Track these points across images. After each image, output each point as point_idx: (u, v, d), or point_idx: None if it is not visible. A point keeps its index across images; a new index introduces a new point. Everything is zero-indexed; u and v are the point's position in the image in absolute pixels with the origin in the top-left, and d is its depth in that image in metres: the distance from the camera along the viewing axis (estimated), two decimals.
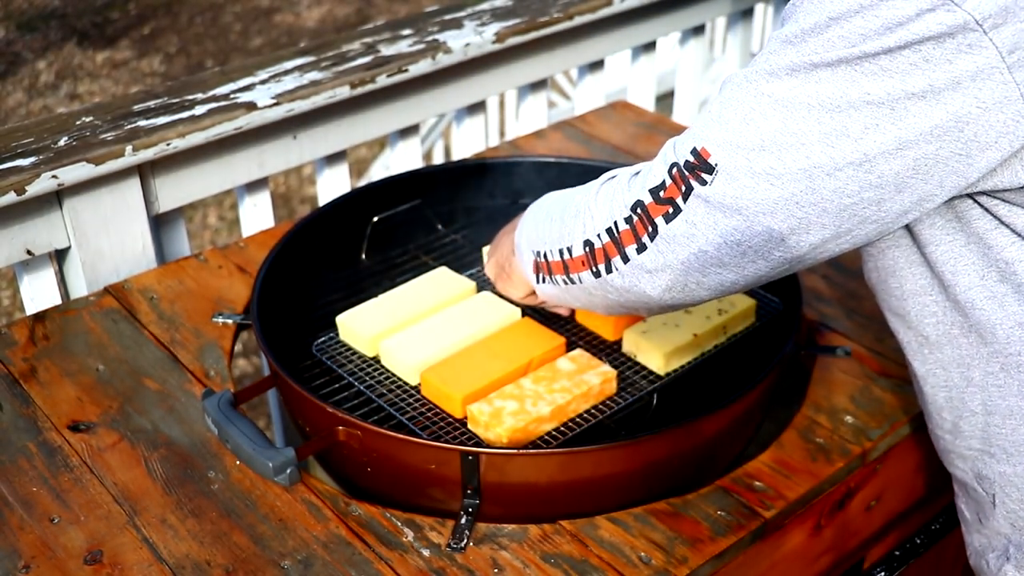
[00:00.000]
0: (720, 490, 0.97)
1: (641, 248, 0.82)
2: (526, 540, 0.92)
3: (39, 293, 1.37)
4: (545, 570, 0.89)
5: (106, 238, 1.36)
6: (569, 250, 0.90)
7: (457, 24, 1.66)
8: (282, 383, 1.02)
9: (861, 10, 0.68)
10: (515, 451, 0.95)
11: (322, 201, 1.65)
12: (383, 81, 1.53)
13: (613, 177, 0.88)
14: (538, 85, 1.87)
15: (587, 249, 0.87)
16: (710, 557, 0.91)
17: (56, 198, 1.31)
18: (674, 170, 0.78)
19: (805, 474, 0.99)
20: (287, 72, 1.50)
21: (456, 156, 1.79)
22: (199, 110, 1.39)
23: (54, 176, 1.25)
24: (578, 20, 1.76)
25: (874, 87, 0.69)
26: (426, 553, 0.91)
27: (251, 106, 1.41)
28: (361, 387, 1.07)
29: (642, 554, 0.91)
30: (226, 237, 3.99)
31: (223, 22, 6.00)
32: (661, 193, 0.79)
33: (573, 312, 1.17)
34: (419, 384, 1.07)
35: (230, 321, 1.20)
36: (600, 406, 1.04)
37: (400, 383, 1.08)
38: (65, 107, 5.02)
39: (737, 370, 1.11)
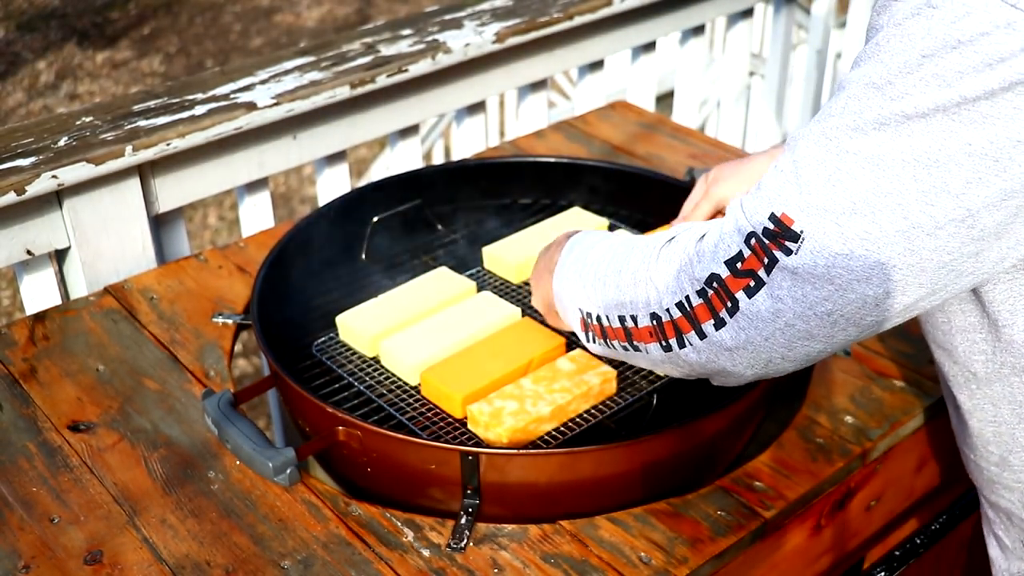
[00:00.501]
0: (720, 490, 0.97)
1: (719, 324, 0.74)
2: (526, 540, 0.92)
3: (39, 293, 1.37)
4: (545, 570, 0.89)
5: (106, 238, 1.36)
6: (633, 319, 0.81)
7: (457, 24, 1.66)
8: (282, 383, 1.02)
9: (959, 45, 0.61)
10: (515, 451, 0.95)
11: (322, 201, 1.65)
12: (383, 81, 1.53)
13: (671, 240, 0.80)
14: (538, 85, 1.87)
15: (654, 322, 0.79)
16: (710, 557, 0.91)
17: (56, 198, 1.31)
18: (752, 240, 0.71)
19: (805, 474, 0.99)
20: (287, 72, 1.50)
21: (456, 156, 1.79)
22: (199, 110, 1.39)
23: (54, 176, 1.25)
24: (578, 20, 1.76)
25: (975, 136, 0.62)
26: (426, 553, 0.91)
27: (251, 106, 1.41)
28: (361, 387, 1.07)
29: (642, 554, 0.91)
30: (226, 237, 3.99)
31: (223, 22, 6.00)
32: (739, 265, 0.72)
33: None
34: (419, 384, 1.07)
35: (230, 321, 1.20)
36: (600, 406, 1.04)
37: (400, 383, 1.08)
38: (65, 107, 5.02)
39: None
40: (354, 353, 1.13)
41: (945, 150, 0.63)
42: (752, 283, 0.72)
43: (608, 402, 1.05)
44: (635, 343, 0.82)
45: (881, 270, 0.68)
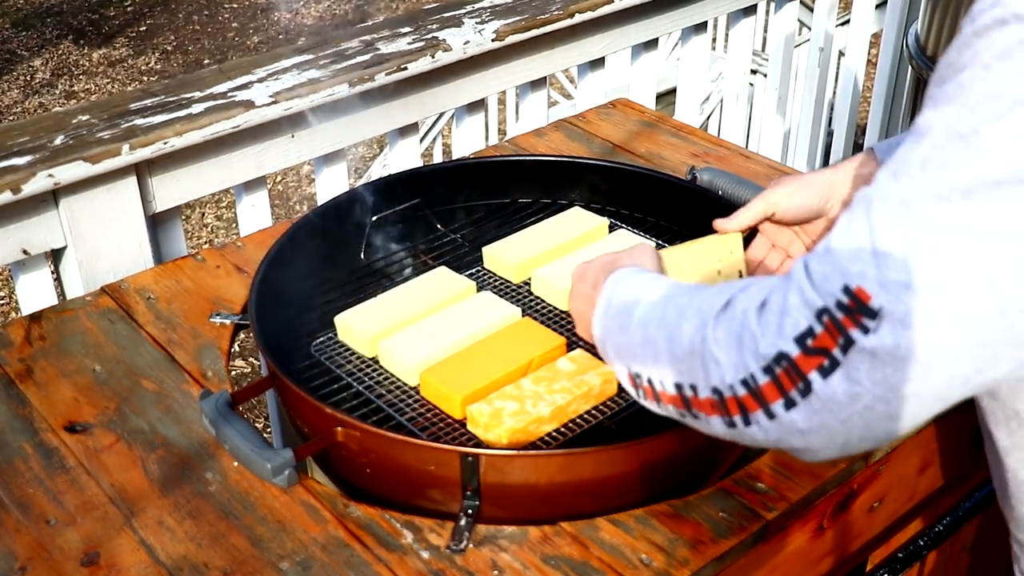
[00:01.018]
0: (721, 491, 0.97)
1: (790, 404, 0.68)
2: (526, 542, 0.92)
3: (35, 293, 1.37)
4: (545, 572, 0.89)
5: (103, 237, 1.35)
6: (692, 388, 0.74)
7: (456, 22, 1.65)
8: (280, 384, 1.02)
9: None
10: (515, 452, 0.94)
11: (320, 200, 1.64)
12: (382, 79, 1.53)
13: (728, 304, 0.72)
14: (538, 83, 1.86)
15: (715, 396, 0.72)
16: (711, 559, 0.90)
17: (52, 197, 1.30)
18: (824, 316, 0.64)
19: (807, 475, 0.99)
20: (285, 70, 1.49)
21: (456, 155, 1.78)
22: (196, 108, 1.38)
23: (50, 175, 1.24)
24: (578, 18, 1.75)
25: None
26: (425, 555, 0.90)
27: (249, 104, 1.41)
28: (360, 387, 1.06)
29: (643, 556, 0.90)
30: (224, 237, 3.98)
31: (220, 20, 5.99)
32: (810, 342, 0.65)
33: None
34: (418, 385, 1.06)
35: (228, 321, 1.20)
36: (601, 407, 1.03)
37: (399, 384, 1.07)
38: (61, 105, 5.01)
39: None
40: (353, 353, 1.12)
41: None
42: (826, 363, 0.65)
43: (609, 403, 1.04)
44: (694, 411, 0.75)
45: (971, 348, 0.62)
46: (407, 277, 1.23)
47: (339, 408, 0.97)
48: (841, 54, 2.76)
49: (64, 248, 1.34)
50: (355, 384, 1.07)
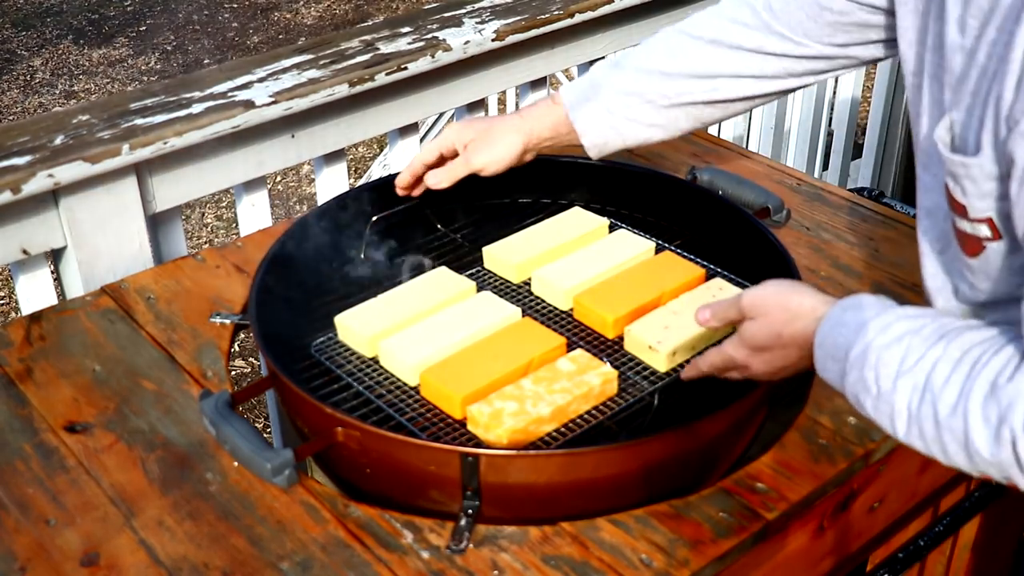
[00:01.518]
0: (722, 491, 0.97)
1: None
2: (526, 542, 0.92)
3: (35, 293, 1.37)
4: (545, 572, 0.89)
5: (103, 237, 1.35)
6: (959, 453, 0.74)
7: (457, 22, 1.65)
8: (280, 384, 1.02)
9: None
10: (515, 452, 0.94)
11: (320, 200, 1.64)
12: (382, 79, 1.53)
13: (993, 391, 0.70)
14: (538, 83, 1.86)
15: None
16: (712, 559, 0.90)
17: (52, 197, 1.30)
18: None
19: (807, 475, 0.99)
20: (285, 70, 1.49)
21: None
22: (196, 108, 1.38)
23: (50, 175, 1.24)
24: (579, 18, 1.75)
25: None
26: (425, 555, 0.90)
27: (249, 104, 1.41)
28: (360, 388, 1.06)
29: (643, 556, 0.90)
30: (224, 236, 3.98)
31: (220, 20, 5.99)
32: None
33: (572, 310, 1.16)
34: (418, 385, 1.06)
35: (228, 321, 1.20)
36: (601, 407, 1.03)
37: (400, 384, 1.07)
38: (61, 105, 5.01)
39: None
40: (353, 354, 1.12)
41: None
42: None
43: (609, 403, 1.04)
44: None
45: None
46: (407, 277, 1.23)
47: (339, 408, 0.97)
48: None
49: (64, 248, 1.34)
50: (355, 384, 1.07)
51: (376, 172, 3.71)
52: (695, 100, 1.13)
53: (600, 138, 1.18)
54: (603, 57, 1.95)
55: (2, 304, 3.68)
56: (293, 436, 1.31)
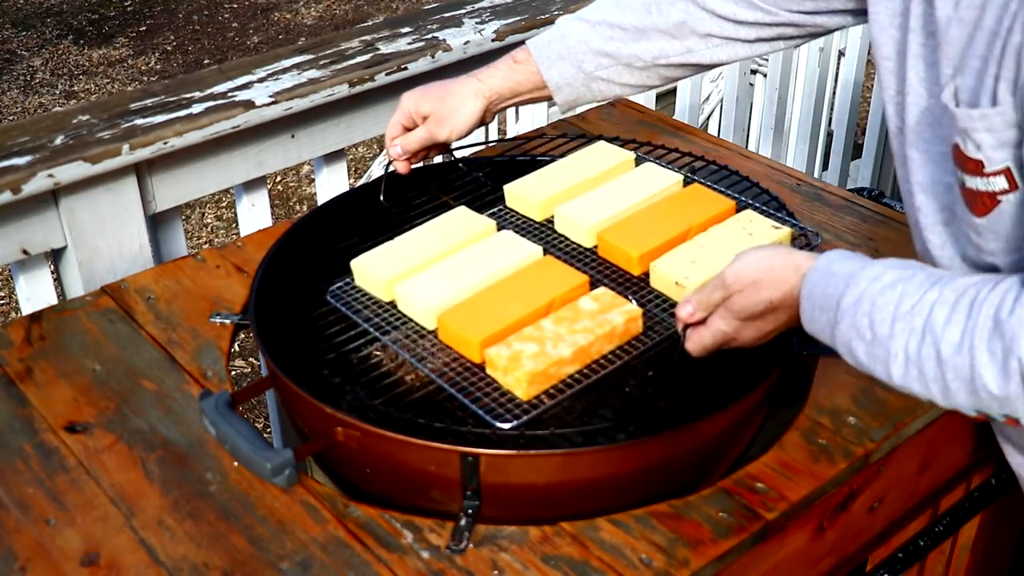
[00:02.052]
0: (722, 491, 0.97)
1: None
2: (526, 542, 0.92)
3: (35, 293, 1.37)
4: (545, 572, 0.89)
5: (103, 238, 1.35)
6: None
7: (456, 22, 1.65)
8: (280, 384, 1.02)
9: None
10: (515, 452, 0.94)
11: (321, 200, 1.64)
12: (382, 79, 1.53)
13: (997, 326, 0.72)
14: None
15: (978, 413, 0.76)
16: (711, 559, 0.90)
17: (52, 197, 1.30)
18: None
19: (807, 475, 0.99)
20: (285, 70, 1.49)
21: (456, 155, 1.78)
22: (196, 108, 1.38)
23: (50, 175, 1.24)
24: None
25: None
26: (425, 555, 0.90)
27: (249, 104, 1.41)
28: (376, 333, 1.03)
29: (643, 556, 0.90)
30: (224, 236, 3.98)
31: (220, 20, 5.99)
32: None
33: (596, 247, 1.13)
34: (436, 328, 1.02)
35: (228, 321, 1.20)
36: (626, 346, 1.00)
37: (417, 328, 1.04)
38: (61, 105, 5.01)
39: (739, 370, 1.09)
40: (370, 298, 1.08)
41: None
42: None
43: (634, 341, 1.01)
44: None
45: None
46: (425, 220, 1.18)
47: (339, 408, 0.97)
48: (841, 54, 2.76)
49: (64, 248, 1.34)
50: (372, 330, 1.04)
51: (376, 172, 3.72)
52: (669, 62, 1.16)
53: (572, 95, 1.19)
54: None
55: (2, 304, 3.68)
56: (293, 436, 1.31)
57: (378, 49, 1.56)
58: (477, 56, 1.65)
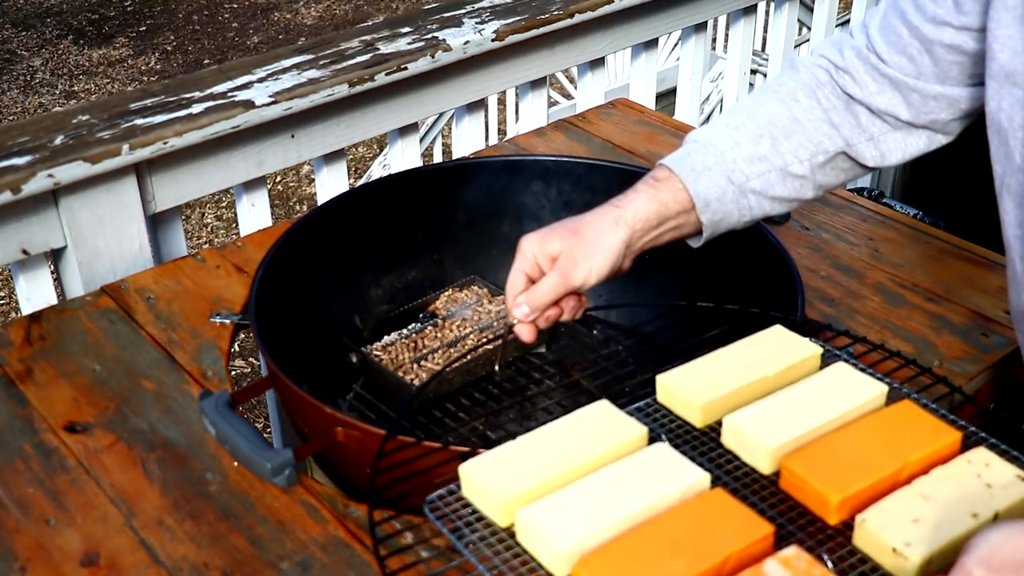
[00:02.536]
0: None
1: None
2: None
3: (35, 293, 1.37)
4: None
5: (103, 238, 1.35)
6: None
7: (456, 22, 1.65)
8: (280, 384, 1.01)
9: None
10: None
11: (320, 200, 1.64)
12: (382, 79, 1.53)
13: None
14: (538, 83, 1.86)
15: None
16: None
17: (52, 197, 1.30)
18: None
19: None
20: (285, 70, 1.49)
21: (456, 155, 1.78)
22: (196, 108, 1.38)
23: (50, 175, 1.24)
24: (578, 18, 1.75)
25: None
26: (425, 555, 0.90)
27: (249, 104, 1.41)
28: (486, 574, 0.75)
29: None
30: (224, 236, 3.98)
31: (220, 20, 5.99)
32: None
33: (778, 475, 0.83)
34: None
35: (228, 321, 1.20)
36: None
37: (541, 572, 0.76)
38: (61, 105, 5.01)
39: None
40: (480, 518, 0.81)
41: None
42: None
43: None
44: None
45: None
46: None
47: (339, 408, 0.97)
48: None
49: (64, 248, 1.34)
50: (479, 566, 0.76)
51: (376, 172, 3.72)
52: (831, 150, 1.01)
53: (720, 212, 0.99)
54: (603, 58, 1.95)
55: (2, 304, 3.68)
56: (293, 436, 1.31)
57: (378, 49, 1.56)
58: (477, 56, 1.65)
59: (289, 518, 0.94)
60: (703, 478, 0.82)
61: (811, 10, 2.74)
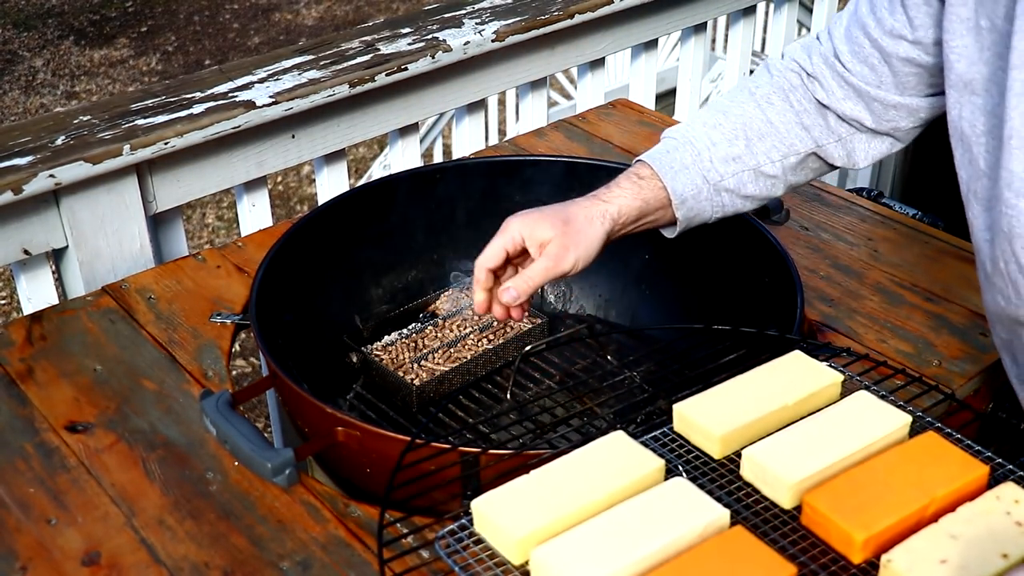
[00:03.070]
0: None
1: None
2: None
3: (36, 293, 1.37)
4: None
5: (103, 238, 1.36)
6: None
7: (457, 22, 1.65)
8: (280, 384, 1.02)
9: None
10: (515, 452, 0.94)
11: (321, 200, 1.64)
12: (382, 80, 1.53)
13: None
14: (538, 83, 1.87)
15: None
16: None
17: (53, 197, 1.30)
18: None
19: None
20: (286, 71, 1.49)
21: (456, 155, 1.79)
22: (197, 109, 1.38)
23: (51, 175, 1.25)
24: (578, 18, 1.75)
25: None
26: (425, 555, 0.90)
27: (250, 105, 1.41)
28: None
29: None
30: (224, 237, 3.98)
31: (221, 20, 6.00)
32: None
33: (799, 511, 0.80)
34: None
35: (228, 321, 1.20)
36: None
37: None
38: (62, 106, 5.01)
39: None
40: (492, 556, 0.79)
41: None
42: None
43: None
44: None
45: None
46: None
47: (339, 408, 0.97)
48: None
49: (65, 248, 1.35)
50: None
51: (376, 172, 3.72)
52: (801, 151, 1.07)
53: (695, 209, 1.05)
54: (603, 58, 1.95)
55: (3, 304, 3.68)
56: (293, 436, 1.31)
57: (378, 50, 1.56)
58: (477, 56, 1.65)
59: (289, 518, 0.94)
60: (723, 515, 0.79)
61: (810, 11, 2.74)
